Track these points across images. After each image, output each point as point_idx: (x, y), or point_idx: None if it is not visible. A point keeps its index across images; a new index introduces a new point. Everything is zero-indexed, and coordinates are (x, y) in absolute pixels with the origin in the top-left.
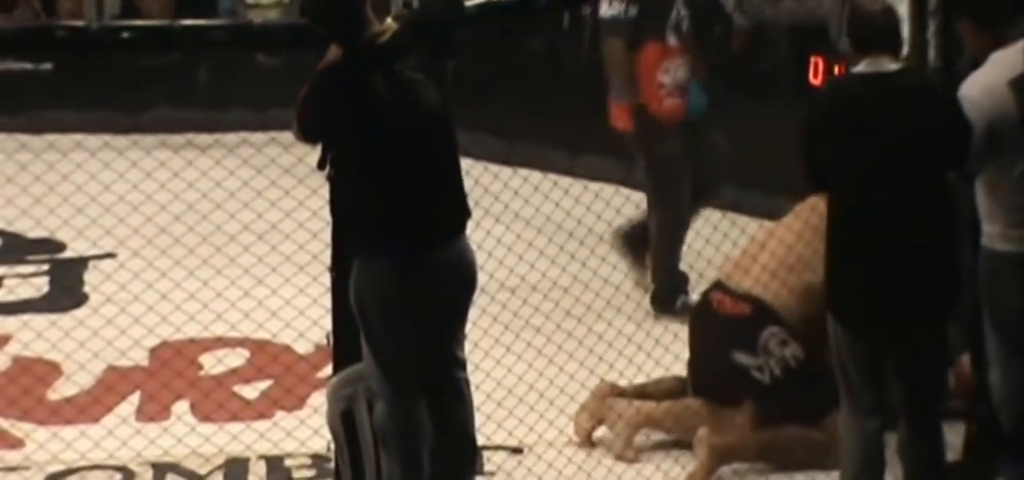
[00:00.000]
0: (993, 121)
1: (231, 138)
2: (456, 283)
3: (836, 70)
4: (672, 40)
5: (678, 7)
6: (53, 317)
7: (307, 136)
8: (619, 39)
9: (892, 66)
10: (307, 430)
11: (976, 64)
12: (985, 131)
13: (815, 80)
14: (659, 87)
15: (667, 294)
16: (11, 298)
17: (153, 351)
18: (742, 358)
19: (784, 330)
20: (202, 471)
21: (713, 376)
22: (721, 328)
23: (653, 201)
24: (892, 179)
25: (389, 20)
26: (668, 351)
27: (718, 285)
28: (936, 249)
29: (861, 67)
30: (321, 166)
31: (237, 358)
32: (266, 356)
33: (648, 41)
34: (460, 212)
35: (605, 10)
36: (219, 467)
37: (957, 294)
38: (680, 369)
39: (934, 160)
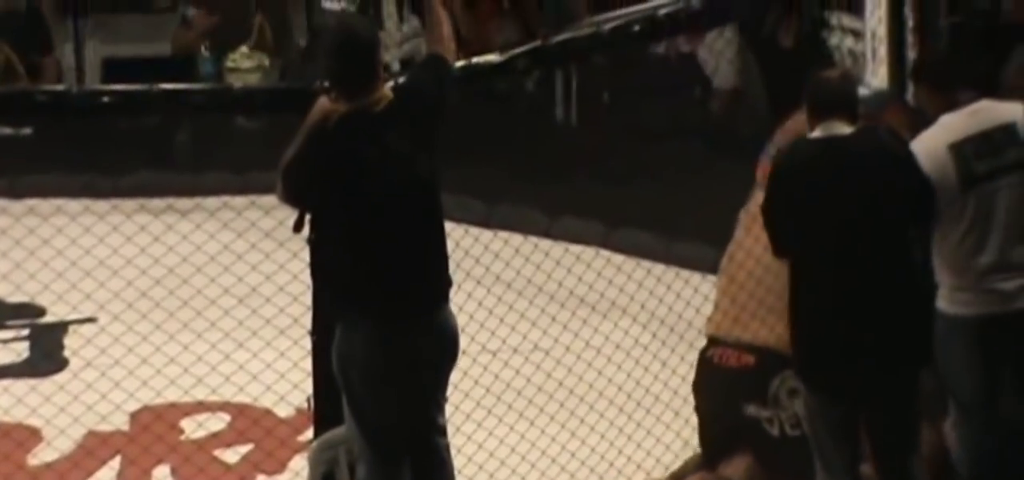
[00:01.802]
0: (933, 183)
1: (211, 202)
2: (438, 351)
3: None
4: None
5: None
6: (33, 382)
7: (292, 197)
8: None
9: (846, 130)
10: None
11: None
12: None
13: None
14: None
15: None
16: None
17: (134, 416)
18: (753, 410)
19: (791, 372)
20: None
21: (723, 433)
22: (727, 382)
23: None
24: (850, 240)
25: (386, 88)
26: (649, 413)
27: (713, 341)
28: (901, 307)
29: (816, 132)
30: (297, 229)
31: (218, 422)
32: (247, 420)
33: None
34: (443, 281)
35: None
36: None
37: (925, 351)
38: (661, 431)
39: (891, 219)
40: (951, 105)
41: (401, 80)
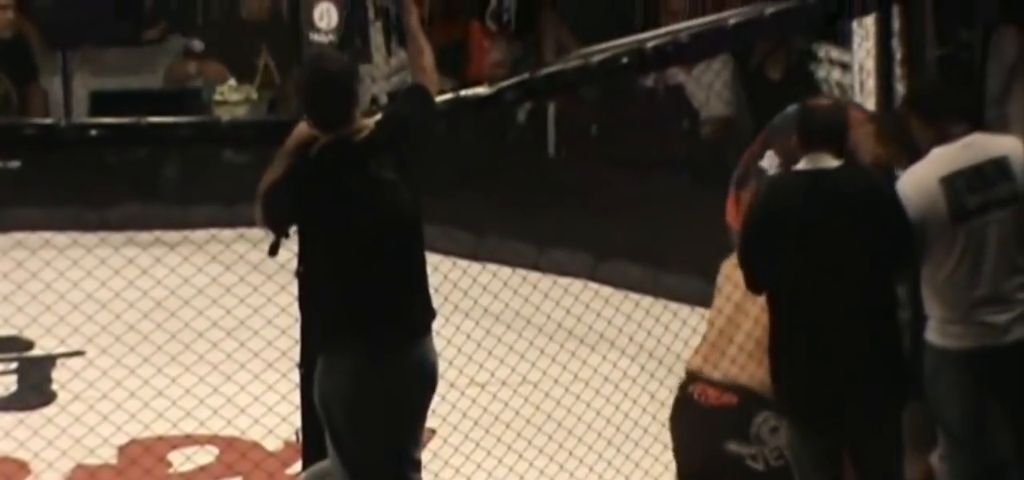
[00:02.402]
0: (922, 217)
1: (200, 234)
2: (418, 385)
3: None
4: None
5: None
6: (21, 415)
7: (271, 222)
8: None
9: (832, 163)
10: None
11: None
12: (915, 226)
13: None
14: None
15: None
16: None
17: (122, 449)
18: (735, 447)
19: (772, 414)
20: None
21: (704, 466)
22: (708, 419)
23: None
24: (832, 275)
25: (367, 119)
26: (638, 446)
27: (694, 377)
28: (881, 342)
29: (802, 164)
30: (272, 253)
31: (206, 455)
32: (235, 453)
33: None
34: (425, 313)
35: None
36: None
37: (906, 385)
38: (650, 464)
39: (874, 255)
40: (942, 137)
41: (383, 110)
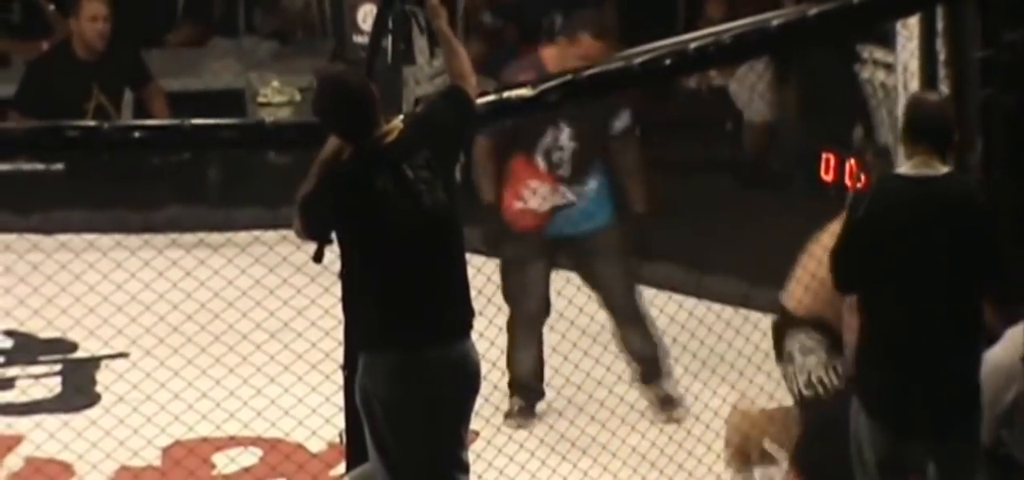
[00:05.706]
0: (1013, 399)
1: (243, 236)
2: (459, 384)
3: (848, 166)
4: (540, 163)
5: (557, 136)
6: (65, 417)
7: (310, 233)
8: (488, 142)
9: (942, 169)
10: None
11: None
12: (1006, 411)
13: (826, 176)
14: (517, 198)
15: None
16: (24, 398)
17: (166, 451)
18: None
19: (807, 333)
20: None
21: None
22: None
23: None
24: (923, 284)
25: (396, 120)
26: (681, 448)
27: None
28: (966, 360)
29: (907, 167)
30: (317, 259)
31: (250, 457)
32: (279, 455)
33: (517, 155)
34: (464, 313)
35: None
36: None
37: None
38: (693, 465)
39: (970, 273)
40: (1011, 320)
41: (418, 111)
